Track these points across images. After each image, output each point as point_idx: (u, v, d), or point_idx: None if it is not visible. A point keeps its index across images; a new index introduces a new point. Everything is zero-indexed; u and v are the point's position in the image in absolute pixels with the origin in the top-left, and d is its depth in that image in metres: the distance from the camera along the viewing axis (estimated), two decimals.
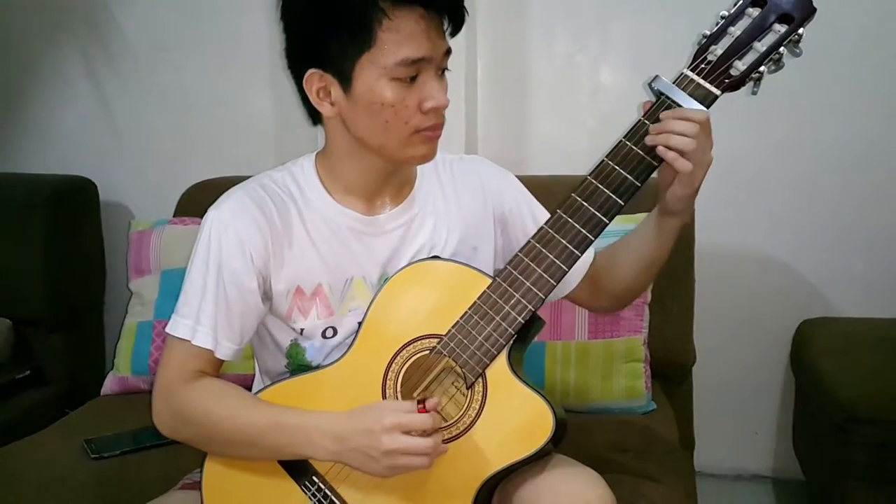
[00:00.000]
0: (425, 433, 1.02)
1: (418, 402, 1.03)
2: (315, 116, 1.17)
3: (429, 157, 1.14)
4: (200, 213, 2.00)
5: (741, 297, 2.20)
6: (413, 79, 1.07)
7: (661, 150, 1.04)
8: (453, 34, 1.12)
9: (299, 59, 1.12)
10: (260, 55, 2.29)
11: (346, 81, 1.08)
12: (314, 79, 1.10)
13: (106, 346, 2.38)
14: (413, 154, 1.13)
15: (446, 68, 1.12)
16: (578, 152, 2.19)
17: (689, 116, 1.03)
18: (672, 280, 1.80)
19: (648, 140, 1.05)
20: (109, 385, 1.92)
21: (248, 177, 1.23)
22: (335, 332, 1.19)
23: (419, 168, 1.24)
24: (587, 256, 1.28)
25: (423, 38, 1.06)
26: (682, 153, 1.03)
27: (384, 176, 1.18)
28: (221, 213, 1.15)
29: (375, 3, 1.03)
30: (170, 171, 2.36)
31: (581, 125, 2.21)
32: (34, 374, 2.15)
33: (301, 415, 1.08)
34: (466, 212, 1.25)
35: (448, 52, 1.11)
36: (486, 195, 1.27)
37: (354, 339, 1.15)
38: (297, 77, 1.12)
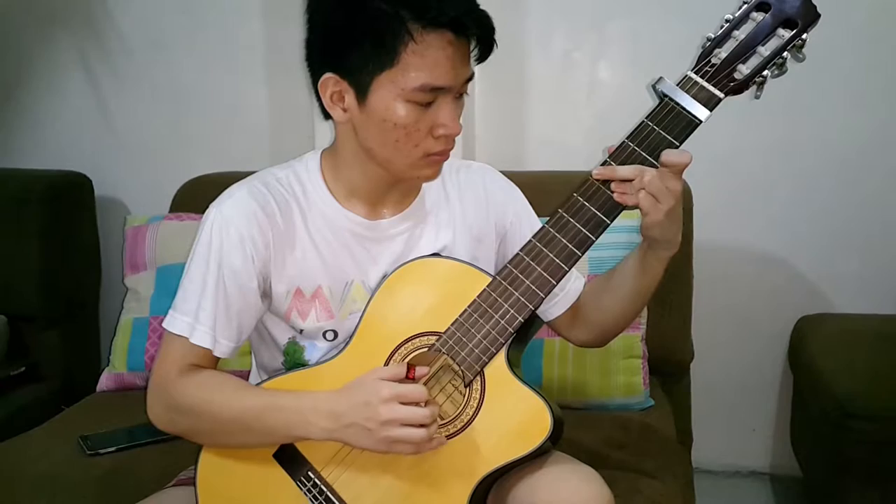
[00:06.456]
0: (422, 404, 1.01)
1: (408, 367, 1.04)
2: (328, 114, 1.16)
3: (433, 177, 1.14)
4: (196, 209, 2.03)
5: (739, 294, 2.20)
6: (429, 103, 1.06)
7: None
8: (479, 61, 1.10)
9: (318, 59, 1.10)
10: (256, 52, 2.29)
11: (361, 93, 1.06)
12: (329, 83, 1.09)
13: (101, 343, 2.38)
14: (418, 174, 1.13)
15: (465, 93, 1.11)
16: (575, 149, 2.19)
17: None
18: (670, 277, 1.75)
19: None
20: (105, 381, 1.92)
21: (244, 172, 1.21)
22: (336, 335, 1.19)
23: None
24: (579, 283, 1.27)
25: (447, 67, 1.04)
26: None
27: (389, 183, 1.17)
28: (223, 210, 1.13)
29: (404, 23, 1.01)
30: (165, 167, 2.35)
31: (578, 122, 2.20)
32: (29, 370, 2.14)
33: (295, 396, 1.07)
34: (470, 221, 1.23)
35: (470, 77, 1.09)
36: (489, 206, 1.25)
37: (353, 334, 1.14)
38: (314, 76, 1.11)
